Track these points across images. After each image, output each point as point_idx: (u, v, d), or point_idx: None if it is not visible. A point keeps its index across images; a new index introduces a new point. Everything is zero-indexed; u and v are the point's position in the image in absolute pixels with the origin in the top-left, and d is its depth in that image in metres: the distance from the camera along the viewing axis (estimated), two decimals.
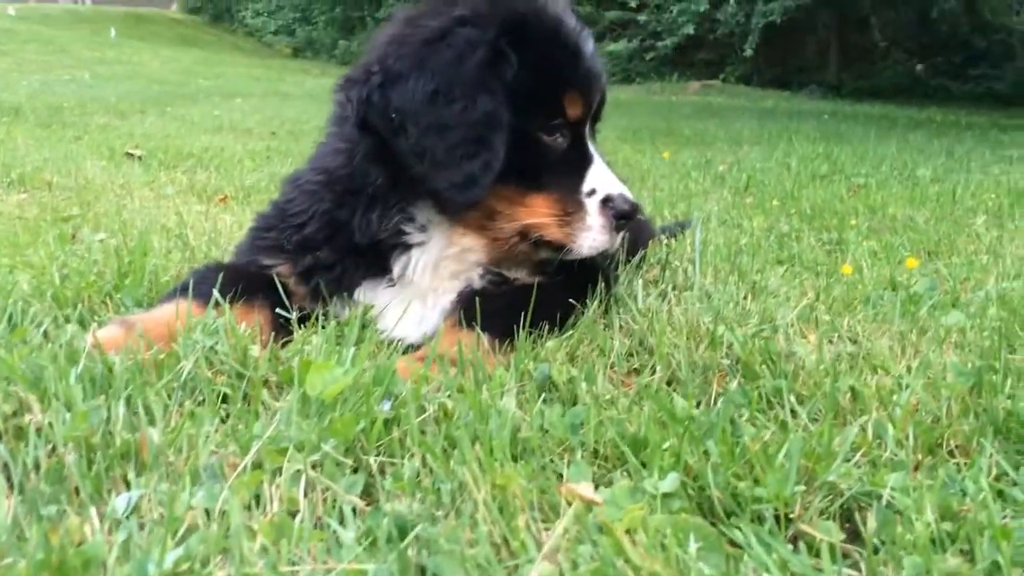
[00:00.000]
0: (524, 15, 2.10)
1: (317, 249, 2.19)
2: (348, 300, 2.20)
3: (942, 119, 16.87)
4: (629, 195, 2.20)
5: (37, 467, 1.35)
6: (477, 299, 2.01)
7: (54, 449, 1.41)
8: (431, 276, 2.18)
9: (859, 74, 27.52)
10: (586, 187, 2.17)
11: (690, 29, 25.92)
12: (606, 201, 2.15)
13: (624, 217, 2.16)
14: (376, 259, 2.18)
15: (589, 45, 2.21)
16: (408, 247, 2.16)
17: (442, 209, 2.13)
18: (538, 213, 2.10)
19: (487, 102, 1.98)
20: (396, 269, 2.17)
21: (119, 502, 1.26)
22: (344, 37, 33.25)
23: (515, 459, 1.41)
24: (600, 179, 2.19)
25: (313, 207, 2.22)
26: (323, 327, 2.07)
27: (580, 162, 2.20)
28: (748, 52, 24.77)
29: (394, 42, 2.07)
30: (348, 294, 2.20)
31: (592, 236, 2.13)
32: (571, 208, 2.12)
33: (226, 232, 3.51)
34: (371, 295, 2.20)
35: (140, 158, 6.07)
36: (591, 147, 2.25)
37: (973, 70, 27.06)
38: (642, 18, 27.21)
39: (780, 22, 24.42)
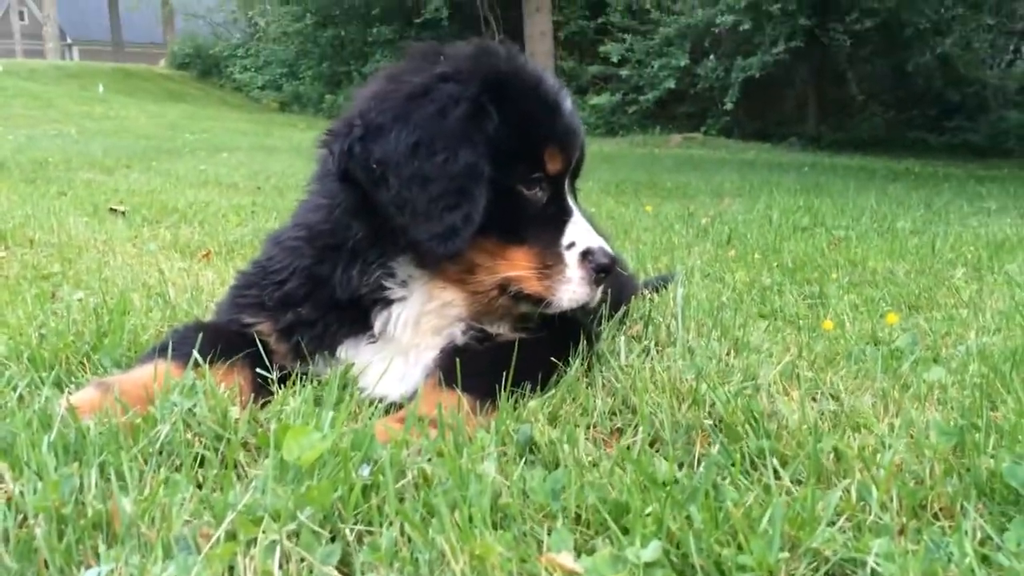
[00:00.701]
0: (505, 72, 2.15)
1: (298, 305, 2.18)
2: (330, 358, 2.19)
3: (920, 170, 17.15)
4: (608, 248, 2.23)
5: (7, 539, 1.32)
6: (458, 359, 2.00)
7: (24, 519, 1.38)
8: (412, 332, 2.17)
9: (837, 126, 28.04)
10: (565, 240, 2.18)
11: (671, 83, 26.39)
12: (585, 254, 2.17)
13: (603, 271, 2.18)
14: (357, 315, 2.18)
15: (568, 102, 2.25)
16: (389, 302, 2.16)
17: (422, 263, 2.13)
18: (518, 266, 2.12)
19: (468, 155, 2.00)
20: (377, 325, 2.16)
21: None
22: (331, 91, 33.56)
23: (495, 526, 1.39)
24: (579, 232, 2.21)
25: (294, 263, 2.21)
26: (303, 387, 2.06)
27: (560, 216, 2.22)
28: (728, 105, 25.19)
29: (376, 97, 2.09)
30: (330, 352, 2.19)
31: (572, 289, 2.14)
32: (550, 261, 2.14)
33: (208, 289, 3.50)
34: (353, 352, 2.19)
35: (124, 214, 6.06)
36: (570, 201, 2.27)
37: (949, 122, 27.65)
38: (624, 72, 27.68)
39: (759, 76, 24.92)
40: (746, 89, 25.40)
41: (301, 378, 2.15)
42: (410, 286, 2.16)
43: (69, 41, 60.09)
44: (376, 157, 1.98)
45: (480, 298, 2.16)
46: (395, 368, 2.15)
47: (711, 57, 26.49)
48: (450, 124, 2.01)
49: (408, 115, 2.01)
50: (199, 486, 1.59)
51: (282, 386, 2.08)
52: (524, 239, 2.13)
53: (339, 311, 2.17)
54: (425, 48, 2.24)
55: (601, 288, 2.23)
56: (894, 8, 24.32)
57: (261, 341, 2.15)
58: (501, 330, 2.24)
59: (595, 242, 2.20)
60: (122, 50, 48.78)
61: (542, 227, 2.17)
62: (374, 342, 2.18)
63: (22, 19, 62.03)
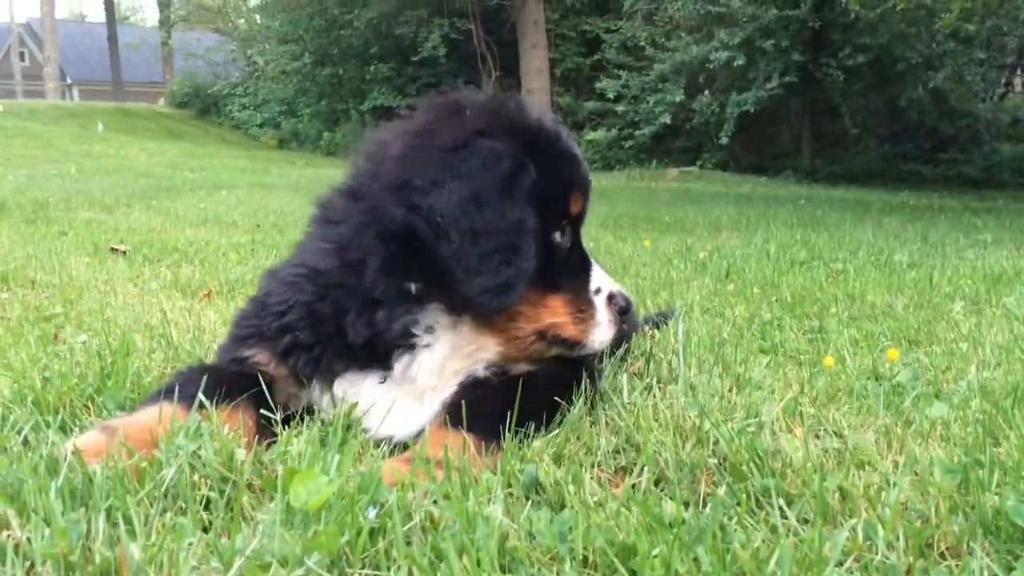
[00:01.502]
0: (531, 126, 2.24)
1: (296, 331, 2.17)
2: (327, 388, 2.18)
3: (915, 203, 17.26)
4: (625, 292, 2.37)
5: None
6: (463, 400, 2.01)
7: (32, 566, 1.38)
8: (435, 376, 2.17)
9: (832, 159, 28.30)
10: (593, 286, 2.32)
11: (667, 119, 26.64)
12: (610, 298, 2.32)
13: (624, 312, 2.35)
14: (368, 355, 2.16)
15: (578, 149, 2.39)
16: (412, 347, 2.15)
17: (457, 310, 2.14)
18: (558, 313, 2.22)
19: (516, 210, 2.07)
20: (398, 368, 2.15)
21: None
22: (329, 129, 33.88)
23: (503, 570, 1.39)
24: (601, 278, 2.36)
25: (293, 298, 2.20)
26: (308, 428, 2.06)
27: (583, 262, 2.35)
28: (724, 140, 25.43)
29: (415, 151, 2.11)
30: (328, 379, 2.18)
31: (601, 331, 2.28)
32: (584, 306, 2.26)
33: (210, 329, 3.51)
34: (354, 389, 2.18)
35: (125, 253, 6.08)
36: (583, 246, 2.37)
37: (943, 155, 27.94)
38: (620, 108, 27.97)
39: (754, 111, 25.18)
40: (741, 123, 25.68)
41: (304, 418, 2.16)
42: (436, 333, 2.16)
43: (69, 81, 60.64)
44: (437, 210, 2.00)
45: (518, 343, 2.21)
46: (405, 408, 2.15)
47: (706, 92, 26.77)
48: (495, 179, 2.06)
49: (456, 169, 2.04)
50: (205, 529, 1.59)
51: (287, 426, 2.08)
52: (558, 286, 2.23)
53: (341, 344, 2.16)
54: (446, 101, 2.29)
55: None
56: (886, 44, 24.66)
57: (262, 372, 2.17)
58: (519, 367, 2.26)
59: (615, 287, 2.36)
60: (122, 89, 49.19)
61: (570, 273, 2.29)
62: (383, 383, 2.18)
63: (23, 60, 62.71)
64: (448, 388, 2.17)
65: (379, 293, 2.10)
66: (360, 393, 2.17)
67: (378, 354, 2.16)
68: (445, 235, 2.00)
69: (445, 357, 2.17)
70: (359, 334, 2.12)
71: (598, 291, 2.31)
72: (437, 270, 2.04)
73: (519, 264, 2.07)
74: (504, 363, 2.23)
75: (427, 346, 2.16)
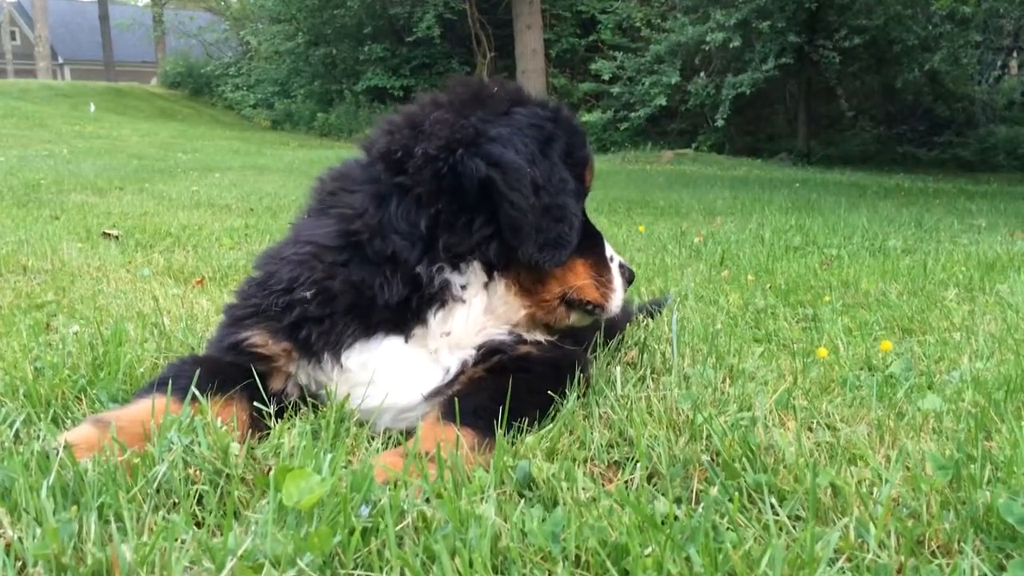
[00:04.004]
0: (553, 104, 2.38)
1: (307, 304, 2.14)
2: (334, 362, 2.16)
3: (910, 186, 17.27)
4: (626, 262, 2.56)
5: None
6: (456, 397, 2.01)
7: (24, 567, 1.38)
8: (467, 333, 2.21)
9: (828, 142, 28.24)
10: (608, 253, 2.47)
11: (662, 100, 26.51)
12: (620, 267, 2.49)
13: (630, 281, 2.57)
14: (393, 316, 2.16)
15: None
16: (447, 303, 2.18)
17: (491, 270, 2.21)
18: (581, 276, 2.34)
19: (560, 169, 2.21)
20: (433, 322, 2.17)
21: None
22: (322, 110, 33.63)
23: (495, 570, 1.39)
24: (609, 247, 2.51)
25: (303, 275, 2.16)
26: (300, 420, 2.06)
27: (594, 232, 2.47)
28: (719, 122, 25.32)
29: (466, 114, 2.17)
30: (335, 352, 2.16)
31: (617, 296, 2.44)
32: (603, 272, 2.41)
33: (203, 317, 3.50)
34: (367, 356, 2.15)
35: (117, 238, 6.05)
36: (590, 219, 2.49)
37: (938, 137, 27.92)
38: (615, 90, 27.82)
39: (749, 93, 25.09)
40: (737, 105, 25.56)
41: (297, 409, 2.16)
42: (471, 290, 2.21)
43: (61, 60, 60.06)
44: (515, 163, 2.08)
45: (545, 306, 2.31)
46: (422, 368, 2.17)
47: (701, 74, 26.64)
48: (544, 141, 2.21)
49: (516, 128, 2.16)
50: (198, 525, 1.59)
51: (279, 419, 2.08)
52: (581, 252, 2.33)
53: (361, 312, 2.15)
54: (471, 79, 2.38)
55: None
56: (882, 25, 24.57)
57: (259, 357, 2.16)
58: (538, 336, 2.33)
59: (619, 256, 2.54)
60: (113, 69, 48.73)
61: (589, 242, 2.40)
62: (407, 342, 2.17)
63: (13, 39, 62.06)
64: (468, 351, 2.21)
65: (418, 253, 2.12)
66: (376, 359, 2.14)
67: (407, 314, 2.16)
68: (519, 188, 2.07)
69: (479, 314, 2.23)
70: (394, 294, 2.12)
71: (611, 259, 2.47)
72: (484, 227, 2.13)
73: (571, 220, 2.21)
74: (528, 327, 2.32)
75: (463, 302, 2.20)
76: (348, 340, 2.15)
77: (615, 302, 2.42)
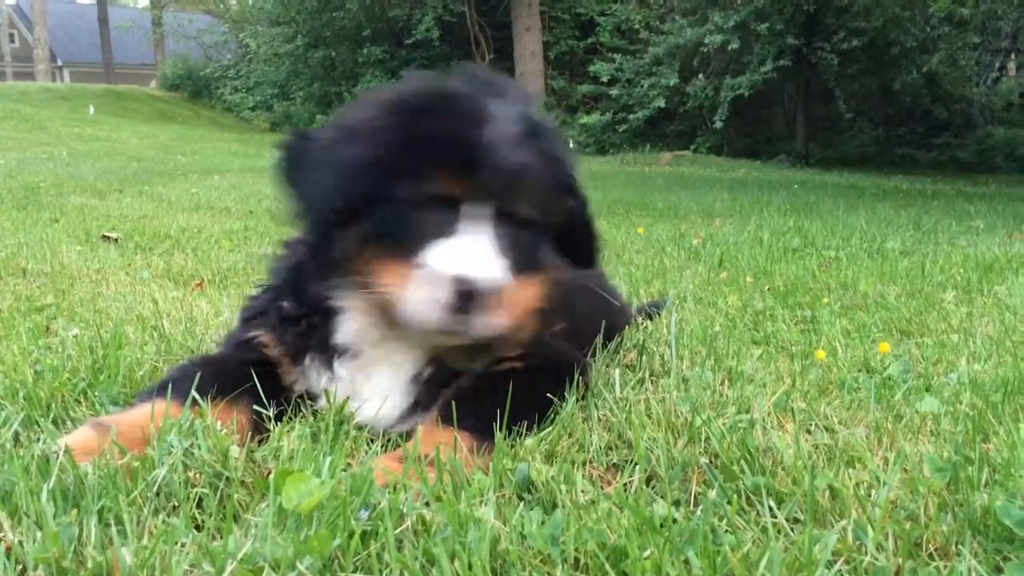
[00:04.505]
0: None
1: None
2: (323, 369, 2.17)
3: (908, 188, 17.29)
4: None
5: None
6: (454, 400, 2.01)
7: (24, 570, 1.38)
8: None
9: (826, 143, 28.29)
10: None
11: (661, 102, 26.56)
12: None
13: None
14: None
15: None
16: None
17: None
18: None
19: None
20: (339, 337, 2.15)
21: None
22: (321, 111, 33.55)
23: (494, 573, 1.39)
24: None
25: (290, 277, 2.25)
26: (300, 422, 2.06)
27: None
28: (718, 124, 25.37)
29: None
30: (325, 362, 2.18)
31: None
32: None
33: (202, 320, 3.50)
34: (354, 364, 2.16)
35: (116, 241, 6.05)
36: None
37: (936, 139, 27.96)
38: (614, 92, 27.87)
39: (748, 95, 25.13)
40: (735, 107, 25.62)
41: (298, 411, 2.16)
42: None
43: (60, 63, 60.06)
44: None
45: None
46: (376, 387, 2.15)
47: (700, 76, 26.72)
48: None
49: None
50: (198, 528, 1.59)
51: (279, 422, 2.08)
52: None
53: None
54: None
55: None
56: (880, 27, 24.63)
57: (265, 355, 2.18)
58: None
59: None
60: (112, 71, 48.73)
61: None
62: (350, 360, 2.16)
63: (12, 41, 62.15)
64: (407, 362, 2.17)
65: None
66: (368, 366, 2.16)
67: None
68: None
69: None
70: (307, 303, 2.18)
71: None
72: None
73: None
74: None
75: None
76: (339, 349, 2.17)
77: None
